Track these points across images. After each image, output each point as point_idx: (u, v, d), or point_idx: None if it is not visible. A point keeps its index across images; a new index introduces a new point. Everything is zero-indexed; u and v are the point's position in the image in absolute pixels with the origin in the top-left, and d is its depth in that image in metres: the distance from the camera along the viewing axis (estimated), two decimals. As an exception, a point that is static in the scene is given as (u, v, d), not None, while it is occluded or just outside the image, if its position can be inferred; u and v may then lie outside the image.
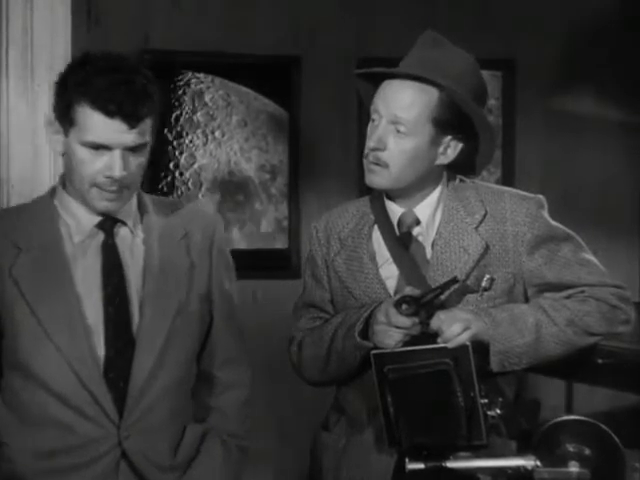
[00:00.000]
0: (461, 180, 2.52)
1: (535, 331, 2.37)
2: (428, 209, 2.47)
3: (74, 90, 2.26)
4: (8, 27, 3.22)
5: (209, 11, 4.47)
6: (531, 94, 4.90)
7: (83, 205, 2.34)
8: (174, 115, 4.45)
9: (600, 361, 2.66)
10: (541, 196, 2.49)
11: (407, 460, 2.27)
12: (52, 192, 2.41)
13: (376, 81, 2.46)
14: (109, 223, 2.35)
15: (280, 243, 4.61)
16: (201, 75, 4.49)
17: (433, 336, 2.31)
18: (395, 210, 2.48)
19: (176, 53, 4.44)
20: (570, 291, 2.43)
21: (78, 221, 2.35)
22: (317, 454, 2.57)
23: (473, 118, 2.41)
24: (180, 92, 4.46)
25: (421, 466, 2.26)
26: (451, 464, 2.27)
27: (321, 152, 4.62)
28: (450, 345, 2.28)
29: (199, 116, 4.48)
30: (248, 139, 4.56)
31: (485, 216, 2.43)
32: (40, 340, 2.28)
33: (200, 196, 4.49)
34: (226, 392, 2.49)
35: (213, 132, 4.51)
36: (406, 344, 2.32)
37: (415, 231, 2.46)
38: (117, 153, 2.24)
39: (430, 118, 2.38)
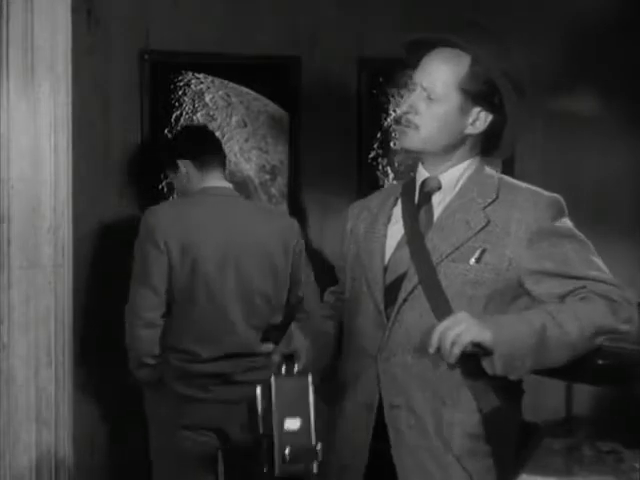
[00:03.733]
0: (489, 172, 2.58)
1: (541, 334, 2.34)
2: (452, 178, 2.55)
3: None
4: (8, 27, 3.22)
5: (209, 11, 4.47)
6: (531, 94, 4.90)
7: None
8: (174, 115, 4.45)
9: (600, 361, 2.65)
10: (558, 196, 2.51)
11: None
12: None
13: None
14: None
15: (280, 243, 4.60)
16: (201, 75, 4.49)
17: None
18: (422, 174, 2.58)
19: (176, 53, 4.43)
20: (572, 285, 2.42)
21: None
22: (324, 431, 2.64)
23: (502, 93, 2.49)
24: (180, 92, 4.46)
25: None
26: None
27: (321, 152, 4.62)
28: (456, 355, 2.30)
29: (199, 116, 4.48)
30: (248, 140, 4.56)
31: (495, 200, 2.50)
32: None
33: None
34: None
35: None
36: None
37: (435, 196, 2.54)
38: None
39: (458, 87, 2.47)
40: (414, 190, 2.58)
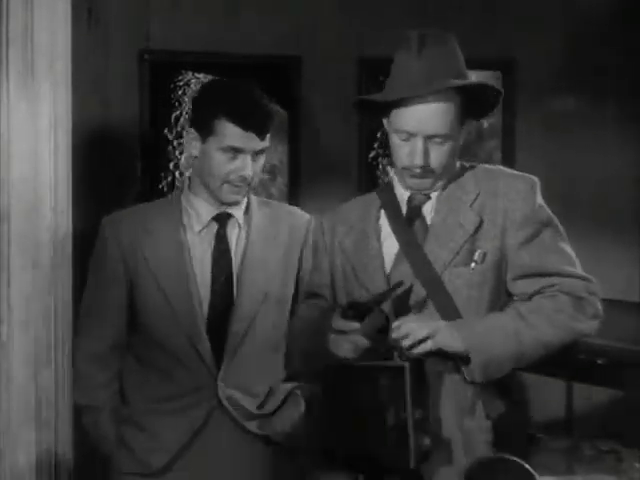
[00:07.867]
0: (463, 165, 2.60)
1: (515, 339, 2.40)
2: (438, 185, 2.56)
3: (215, 106, 2.78)
4: (8, 27, 3.22)
5: (209, 11, 4.47)
6: (531, 94, 4.90)
7: (205, 201, 2.88)
8: (174, 115, 4.45)
9: (600, 361, 2.66)
10: (534, 177, 2.55)
11: None
12: (179, 192, 2.97)
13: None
14: (224, 216, 2.90)
15: (280, 243, 4.60)
16: (201, 75, 4.49)
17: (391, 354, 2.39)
18: (404, 191, 2.57)
19: (176, 53, 4.44)
20: (543, 282, 2.46)
21: (199, 214, 2.89)
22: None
23: (486, 92, 2.51)
24: (180, 92, 4.46)
25: None
26: None
27: (321, 152, 4.62)
28: (413, 353, 2.34)
29: (199, 116, 4.48)
30: (248, 139, 4.55)
31: (479, 194, 2.52)
32: (162, 308, 2.88)
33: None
34: None
35: (213, 132, 4.51)
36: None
37: (425, 207, 2.54)
38: (249, 157, 2.78)
39: (460, 120, 2.49)
40: (397, 203, 2.57)
